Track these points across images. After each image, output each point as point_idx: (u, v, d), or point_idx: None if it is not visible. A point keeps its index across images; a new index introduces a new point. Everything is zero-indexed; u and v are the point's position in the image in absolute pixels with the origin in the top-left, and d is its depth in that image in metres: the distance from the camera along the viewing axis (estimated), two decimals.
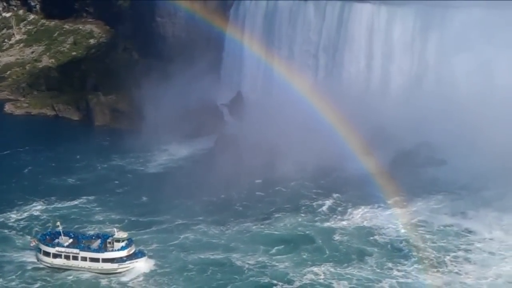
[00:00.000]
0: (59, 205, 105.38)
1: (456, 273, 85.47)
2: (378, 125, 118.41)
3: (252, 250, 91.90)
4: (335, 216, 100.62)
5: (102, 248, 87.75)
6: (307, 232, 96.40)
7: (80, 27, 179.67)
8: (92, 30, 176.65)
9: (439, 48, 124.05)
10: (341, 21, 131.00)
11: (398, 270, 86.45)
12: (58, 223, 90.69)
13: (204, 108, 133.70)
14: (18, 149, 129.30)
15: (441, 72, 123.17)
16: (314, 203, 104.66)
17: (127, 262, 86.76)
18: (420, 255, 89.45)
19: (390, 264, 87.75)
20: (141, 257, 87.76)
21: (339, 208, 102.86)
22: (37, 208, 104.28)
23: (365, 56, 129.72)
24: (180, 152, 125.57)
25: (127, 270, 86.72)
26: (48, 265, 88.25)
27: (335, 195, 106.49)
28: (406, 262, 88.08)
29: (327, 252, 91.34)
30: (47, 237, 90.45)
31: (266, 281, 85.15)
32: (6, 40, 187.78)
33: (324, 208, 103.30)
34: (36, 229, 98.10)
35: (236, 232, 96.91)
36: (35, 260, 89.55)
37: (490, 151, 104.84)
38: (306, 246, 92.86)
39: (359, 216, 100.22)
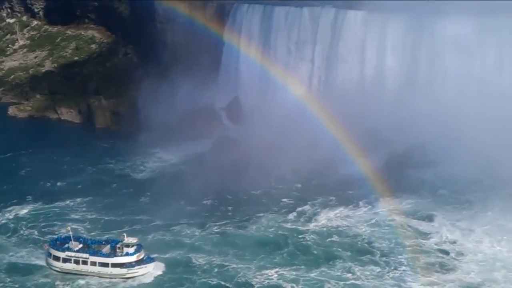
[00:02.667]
0: (45, 206, 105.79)
1: (402, 279, 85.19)
2: (372, 128, 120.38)
3: (217, 251, 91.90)
4: (314, 218, 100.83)
5: (112, 253, 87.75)
6: (281, 234, 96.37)
7: (82, 33, 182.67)
8: (94, 36, 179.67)
9: (430, 54, 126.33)
10: (335, 27, 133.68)
11: (352, 273, 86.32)
12: (69, 228, 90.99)
13: (202, 112, 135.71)
14: (21, 151, 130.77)
15: (433, 77, 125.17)
16: (298, 206, 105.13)
17: (136, 267, 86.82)
18: (381, 258, 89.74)
19: (347, 267, 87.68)
20: (150, 262, 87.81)
21: (322, 210, 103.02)
22: (23, 208, 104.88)
23: (359, 61, 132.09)
24: (178, 155, 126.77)
25: (136, 275, 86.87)
26: (58, 269, 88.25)
27: (321, 198, 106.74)
28: (363, 265, 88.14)
29: (292, 254, 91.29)
30: (57, 242, 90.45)
31: (214, 282, 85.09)
32: (10, 45, 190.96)
33: (307, 210, 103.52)
34: (23, 230, 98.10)
35: (208, 233, 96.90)
36: (44, 264, 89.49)
37: (482, 155, 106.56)
38: (274, 248, 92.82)
39: (339, 218, 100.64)
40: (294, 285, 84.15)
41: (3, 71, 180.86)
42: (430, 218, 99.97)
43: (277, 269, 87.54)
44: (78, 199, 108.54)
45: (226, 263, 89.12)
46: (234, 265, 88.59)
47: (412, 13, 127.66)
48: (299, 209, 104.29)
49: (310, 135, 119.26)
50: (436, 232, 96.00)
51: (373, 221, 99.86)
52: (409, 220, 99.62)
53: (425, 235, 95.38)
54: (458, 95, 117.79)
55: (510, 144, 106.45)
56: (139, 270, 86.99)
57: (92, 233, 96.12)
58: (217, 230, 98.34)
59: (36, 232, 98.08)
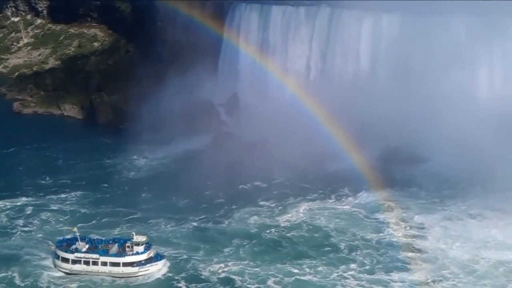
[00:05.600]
0: (32, 199, 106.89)
1: (345, 277, 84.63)
2: (366, 123, 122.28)
3: (184, 245, 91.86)
4: (292, 212, 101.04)
5: (122, 252, 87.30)
6: (254, 228, 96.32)
7: (85, 31, 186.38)
8: (96, 34, 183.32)
9: (423, 52, 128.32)
10: (331, 26, 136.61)
11: (301, 269, 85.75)
12: (75, 229, 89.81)
13: (202, 108, 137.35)
14: (25, 146, 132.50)
15: (425, 73, 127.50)
16: (282, 200, 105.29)
17: (147, 266, 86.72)
18: (336, 254, 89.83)
19: (301, 262, 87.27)
20: (160, 260, 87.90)
21: (303, 205, 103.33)
22: (8, 201, 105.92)
23: (353, 59, 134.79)
24: (176, 150, 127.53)
25: (147, 273, 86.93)
26: (67, 271, 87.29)
27: (308, 193, 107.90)
28: (319, 261, 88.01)
29: (258, 248, 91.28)
30: (63, 243, 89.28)
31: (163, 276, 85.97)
32: (14, 43, 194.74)
33: (289, 204, 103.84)
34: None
35: (182, 227, 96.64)
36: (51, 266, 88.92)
37: (474, 152, 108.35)
38: (241, 243, 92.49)
39: (317, 213, 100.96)
40: (240, 277, 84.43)
41: (8, 68, 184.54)
42: (400, 215, 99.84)
43: (232, 263, 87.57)
44: (65, 194, 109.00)
45: (183, 256, 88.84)
46: (193, 259, 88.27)
47: (405, 11, 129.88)
48: (282, 203, 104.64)
49: (306, 131, 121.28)
50: (397, 229, 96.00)
51: (344, 215, 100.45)
52: (376, 215, 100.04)
53: (387, 231, 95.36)
54: (450, 92, 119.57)
55: (502, 141, 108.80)
56: (150, 268, 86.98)
57: (60, 225, 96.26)
58: (193, 224, 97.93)
59: (11, 223, 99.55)
